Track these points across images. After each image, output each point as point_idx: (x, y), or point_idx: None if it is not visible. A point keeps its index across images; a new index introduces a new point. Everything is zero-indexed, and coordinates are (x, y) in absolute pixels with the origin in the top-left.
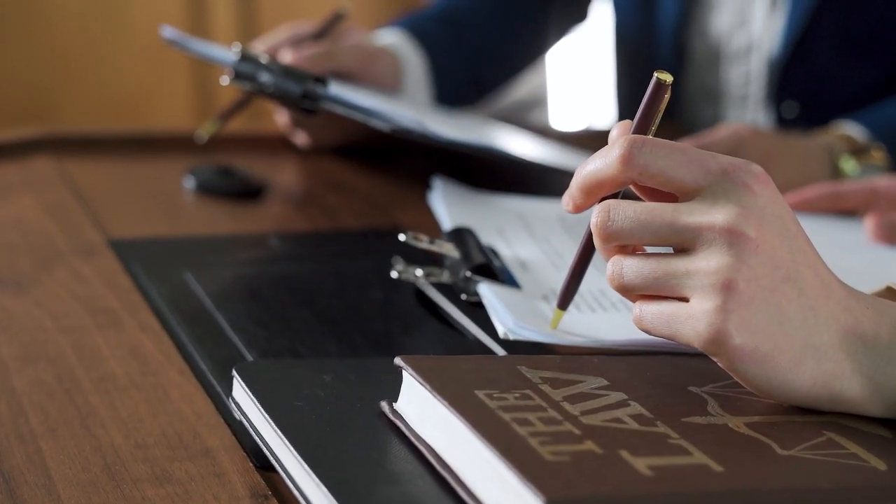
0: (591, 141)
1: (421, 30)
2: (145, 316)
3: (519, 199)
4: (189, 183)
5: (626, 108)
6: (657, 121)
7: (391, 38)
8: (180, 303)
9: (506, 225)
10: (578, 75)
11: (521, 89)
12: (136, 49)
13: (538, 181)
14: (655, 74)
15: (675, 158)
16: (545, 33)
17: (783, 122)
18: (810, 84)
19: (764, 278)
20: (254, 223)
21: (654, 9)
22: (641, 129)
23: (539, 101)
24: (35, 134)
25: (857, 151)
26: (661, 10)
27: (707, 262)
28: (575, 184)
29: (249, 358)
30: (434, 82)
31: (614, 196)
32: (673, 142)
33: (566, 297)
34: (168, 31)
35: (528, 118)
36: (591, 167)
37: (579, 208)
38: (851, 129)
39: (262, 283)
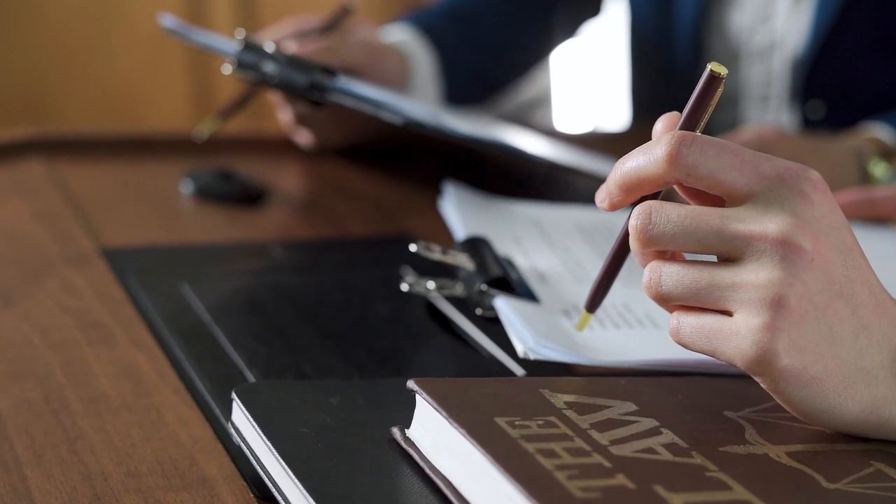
0: (599, 143)
1: (430, 26)
2: (139, 331)
3: (534, 204)
4: (187, 187)
5: (641, 109)
6: (707, 117)
7: (399, 35)
8: (177, 317)
9: (522, 233)
10: (585, 75)
11: (526, 90)
12: (134, 45)
13: (554, 185)
14: (709, 66)
15: (727, 159)
16: (556, 29)
17: (808, 124)
18: (837, 83)
19: (817, 295)
20: (255, 230)
21: (672, 5)
22: (690, 124)
23: (543, 102)
24: (25, 135)
25: (888, 155)
26: (678, 6)
27: (756, 275)
28: (613, 179)
29: (250, 377)
30: (443, 80)
31: (654, 196)
32: (725, 141)
33: (595, 300)
34: (168, 20)
35: (532, 119)
36: (633, 163)
37: (615, 206)
38: (880, 132)
39: (263, 295)
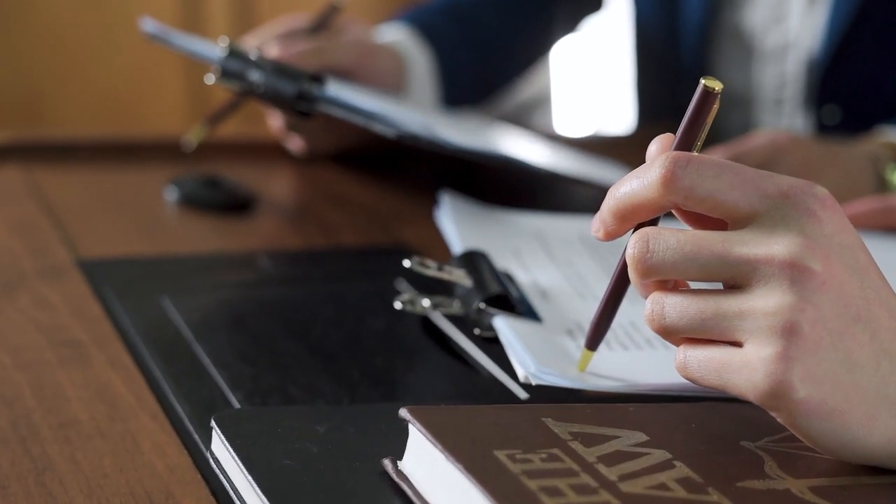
0: (602, 147)
1: (427, 25)
2: (116, 349)
3: (535, 215)
4: (171, 195)
5: (646, 111)
6: (704, 135)
7: (394, 35)
8: (156, 334)
9: (522, 246)
10: (587, 75)
11: (524, 90)
12: (130, 48)
13: (555, 194)
14: (703, 81)
15: (726, 179)
16: (556, 24)
17: (823, 129)
18: (854, 87)
19: (832, 320)
20: (242, 240)
21: (678, 2)
22: (685, 144)
23: (543, 103)
24: (1, 140)
25: None
26: (685, 3)
27: (765, 301)
28: (607, 207)
29: (233, 400)
30: (441, 81)
31: (652, 222)
32: (723, 160)
33: (596, 337)
34: (149, 25)
35: (531, 121)
36: (626, 188)
37: (611, 235)
38: None
39: (249, 310)
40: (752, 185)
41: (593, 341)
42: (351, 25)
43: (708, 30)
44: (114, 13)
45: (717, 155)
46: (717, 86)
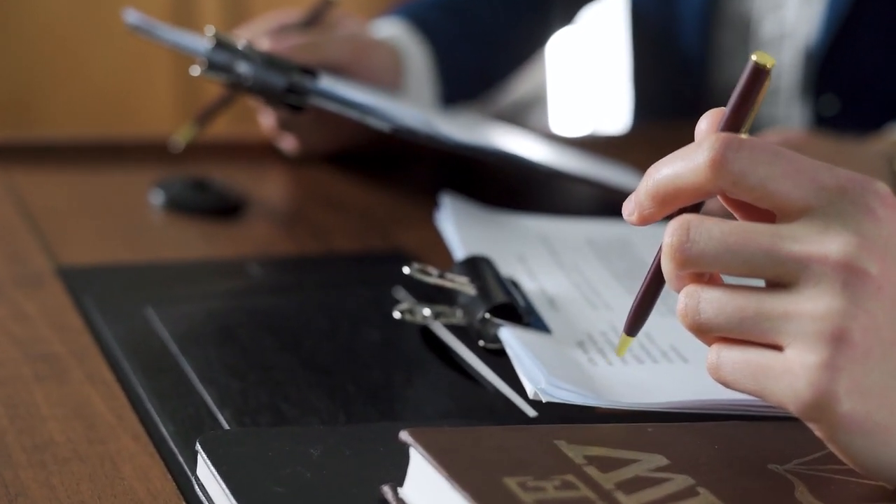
0: (598, 147)
1: (424, 19)
2: (96, 364)
3: (540, 217)
4: (157, 198)
5: (644, 108)
6: (753, 117)
7: (391, 30)
8: (139, 347)
9: (527, 251)
10: (582, 71)
11: (519, 88)
12: (122, 45)
13: (559, 195)
14: (753, 57)
15: (781, 167)
16: (552, 17)
17: (822, 120)
18: (852, 77)
19: (884, 329)
20: (231, 246)
21: None
22: (734, 125)
23: (538, 102)
24: None
25: None
26: None
27: (814, 304)
28: (645, 189)
29: (221, 418)
30: (439, 77)
31: (694, 209)
32: (777, 146)
33: (636, 322)
34: (132, 16)
35: (527, 120)
36: (669, 170)
37: (647, 220)
38: None
39: (238, 320)
40: (807, 176)
41: (633, 326)
42: (345, 20)
43: (708, 20)
44: (105, 10)
45: (793, 152)
46: (769, 62)
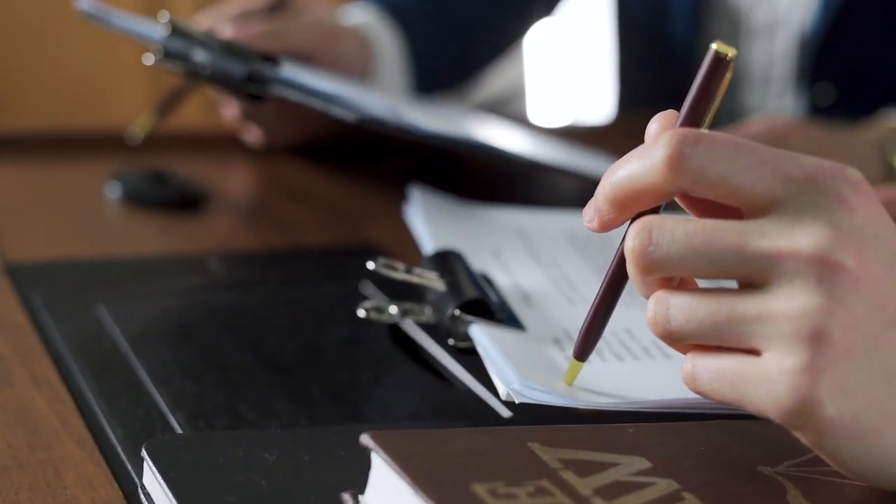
0: (580, 138)
1: (396, 6)
2: (42, 365)
3: (516, 210)
4: (113, 191)
5: (629, 98)
6: (714, 110)
7: (361, 17)
8: (89, 347)
9: (502, 245)
10: (563, 60)
11: (496, 82)
12: (93, 36)
13: (537, 187)
14: (713, 46)
15: (743, 160)
16: (533, 8)
17: (817, 111)
18: (848, 65)
19: (865, 323)
20: (191, 241)
21: None
22: (693, 120)
23: (516, 96)
24: None
25: None
26: None
27: (788, 303)
28: (602, 193)
29: (173, 422)
30: (412, 65)
31: (654, 211)
32: (737, 138)
33: (586, 345)
34: (84, 3)
35: (506, 112)
36: (625, 171)
37: (607, 226)
38: None
39: (196, 318)
40: (771, 167)
41: (583, 350)
42: (311, 6)
43: (700, 7)
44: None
45: (755, 143)
46: (729, 52)
